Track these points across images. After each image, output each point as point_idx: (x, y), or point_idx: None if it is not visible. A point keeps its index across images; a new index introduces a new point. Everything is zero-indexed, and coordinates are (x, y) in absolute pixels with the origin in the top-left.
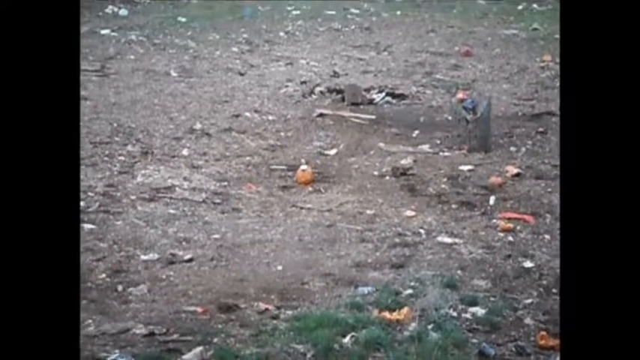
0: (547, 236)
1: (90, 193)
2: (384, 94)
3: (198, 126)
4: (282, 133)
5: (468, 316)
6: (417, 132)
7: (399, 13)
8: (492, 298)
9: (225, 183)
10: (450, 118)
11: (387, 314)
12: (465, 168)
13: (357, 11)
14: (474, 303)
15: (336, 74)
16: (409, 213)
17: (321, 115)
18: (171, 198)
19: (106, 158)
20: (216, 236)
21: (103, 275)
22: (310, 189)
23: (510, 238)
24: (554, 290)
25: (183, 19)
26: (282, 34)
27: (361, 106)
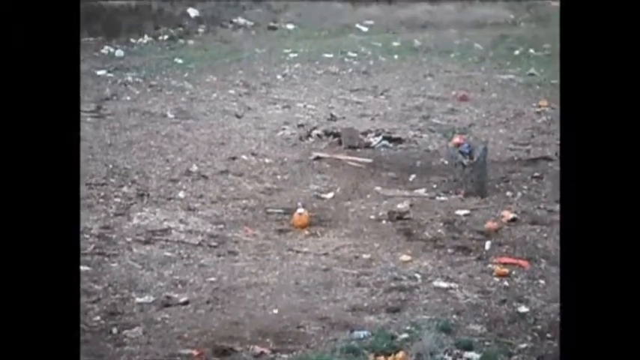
0: (542, 281)
1: (85, 235)
2: (380, 137)
3: (194, 168)
4: (279, 176)
5: None
6: (413, 176)
7: (396, 57)
8: (487, 343)
9: (222, 226)
10: (446, 162)
11: (382, 358)
12: (461, 212)
13: (354, 55)
14: (469, 348)
15: (333, 117)
16: (405, 257)
17: (317, 158)
18: (167, 240)
19: (101, 200)
20: (212, 279)
21: (98, 317)
22: (307, 232)
23: (506, 283)
24: (548, 335)
25: (180, 61)
26: (279, 76)
27: (358, 150)
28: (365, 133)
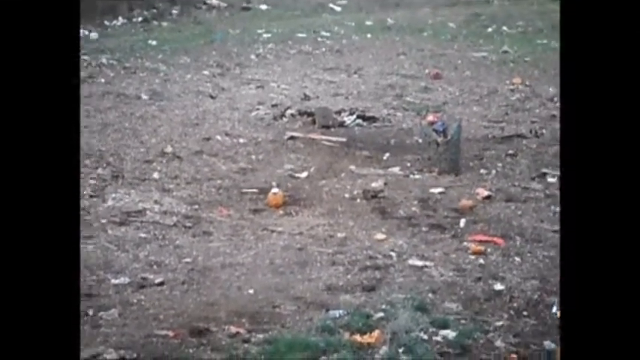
0: (517, 259)
1: None
2: (354, 116)
3: (169, 149)
4: (253, 156)
5: (439, 339)
6: (387, 154)
7: (369, 36)
8: (463, 321)
9: (196, 206)
10: (420, 140)
11: (358, 337)
12: (436, 191)
13: (327, 34)
14: (444, 326)
15: (306, 97)
16: (380, 236)
17: (292, 137)
18: (142, 221)
19: None
20: (188, 260)
21: None
22: (281, 212)
23: (481, 261)
24: (524, 313)
25: (154, 43)
26: (252, 57)
27: (332, 129)
28: (339, 112)
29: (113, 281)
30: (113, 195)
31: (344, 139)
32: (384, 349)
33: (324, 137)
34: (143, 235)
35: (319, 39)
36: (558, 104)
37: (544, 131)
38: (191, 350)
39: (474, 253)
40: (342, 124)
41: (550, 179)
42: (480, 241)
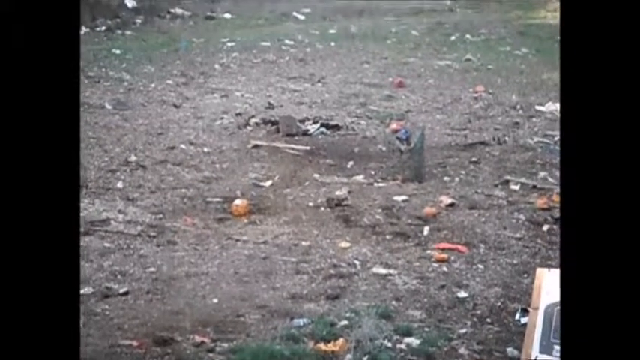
0: (480, 266)
1: None
2: (318, 125)
3: (133, 158)
4: (218, 165)
5: (403, 346)
6: (351, 163)
7: (333, 44)
8: (427, 328)
9: (161, 215)
10: (384, 148)
11: (322, 346)
12: (400, 199)
13: (291, 43)
14: (408, 333)
15: (270, 106)
16: (344, 244)
17: (256, 146)
18: (106, 231)
19: None
20: (152, 269)
21: None
22: (246, 221)
23: (444, 269)
24: (488, 320)
25: (118, 52)
26: (216, 66)
27: (296, 138)
28: (302, 121)
29: None
30: None
31: (308, 148)
32: (349, 357)
33: (288, 146)
34: (107, 244)
35: (283, 47)
36: (520, 112)
37: (507, 139)
38: (155, 359)
39: (438, 260)
40: (306, 133)
41: (513, 186)
42: (444, 249)
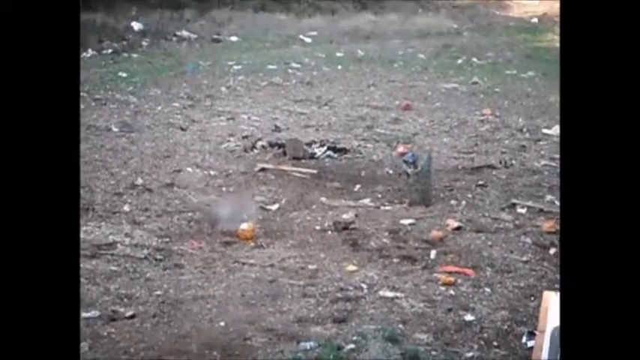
0: (487, 289)
1: None
2: (325, 148)
3: (139, 181)
4: (224, 188)
5: None
6: (358, 186)
7: (339, 67)
8: (434, 352)
9: (167, 239)
10: (390, 171)
11: None
12: (406, 222)
13: (298, 65)
14: (415, 357)
15: (277, 129)
16: (351, 267)
17: (262, 169)
18: (112, 254)
19: None
20: (159, 292)
21: None
22: (252, 244)
23: (451, 292)
24: (494, 343)
25: (124, 75)
26: (223, 88)
27: (303, 161)
28: (309, 144)
29: (84, 314)
30: (84, 228)
31: (315, 171)
32: None
33: (294, 169)
34: (114, 268)
35: (290, 70)
36: (527, 135)
37: (514, 162)
38: None
39: (445, 284)
40: (312, 156)
41: (520, 210)
42: (451, 272)
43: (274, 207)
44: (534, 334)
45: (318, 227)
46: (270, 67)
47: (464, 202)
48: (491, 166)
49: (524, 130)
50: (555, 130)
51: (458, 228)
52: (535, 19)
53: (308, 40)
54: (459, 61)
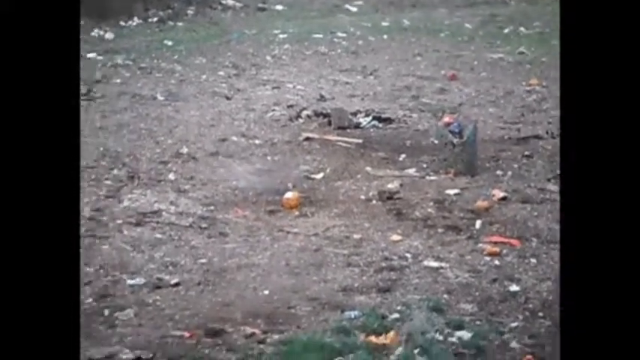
0: (533, 260)
1: None
2: (370, 117)
3: (184, 150)
4: (269, 157)
5: (454, 340)
6: (403, 156)
7: (385, 36)
8: (478, 322)
9: (212, 207)
10: (436, 141)
11: (373, 338)
12: (452, 192)
13: (343, 35)
14: (460, 327)
15: (322, 98)
16: (395, 237)
17: (307, 138)
18: (157, 222)
19: (92, 182)
20: (203, 261)
21: (90, 300)
22: (297, 213)
23: (496, 262)
24: (540, 314)
25: (170, 43)
26: (268, 57)
27: (348, 130)
28: (354, 114)
29: (129, 282)
30: (129, 196)
31: (360, 141)
32: (400, 350)
33: (339, 138)
34: (159, 235)
35: (335, 40)
36: None
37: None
38: (206, 350)
39: (490, 254)
40: (357, 126)
41: None
42: (496, 243)
43: (319, 176)
44: None
45: (362, 197)
46: (316, 36)
47: (510, 173)
48: (537, 137)
49: None
50: None
51: (503, 198)
52: None
53: (354, 9)
54: (506, 30)
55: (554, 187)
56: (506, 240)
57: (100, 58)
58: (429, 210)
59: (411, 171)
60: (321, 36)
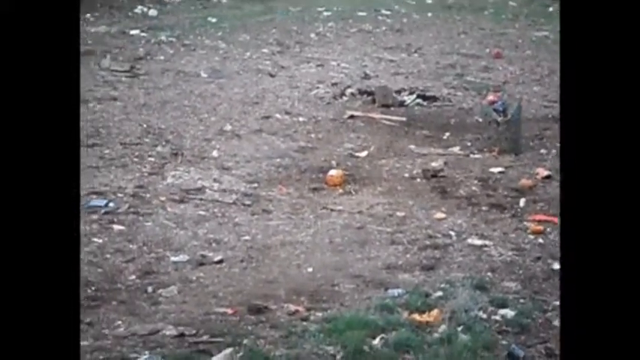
0: None
1: (120, 194)
2: (414, 95)
3: (228, 127)
4: (313, 135)
5: (498, 317)
6: (447, 134)
7: (429, 14)
8: (522, 300)
9: (256, 184)
10: (480, 120)
11: (416, 316)
12: (496, 170)
13: (388, 12)
14: (503, 305)
15: (366, 76)
16: (439, 215)
17: (351, 116)
18: (201, 199)
19: (135, 159)
20: (247, 238)
21: (133, 277)
22: (341, 191)
23: (540, 240)
24: None
25: (214, 20)
26: (312, 35)
27: (392, 108)
28: (399, 92)
29: (172, 259)
30: (172, 173)
31: (404, 119)
32: (443, 327)
33: (384, 116)
34: (202, 212)
35: (379, 17)
36: None
37: None
38: (249, 327)
39: (534, 232)
40: (402, 104)
41: None
42: (540, 221)
43: (363, 154)
44: None
45: (406, 175)
46: (360, 13)
47: (554, 151)
48: None
49: None
50: None
51: (547, 177)
52: None
53: None
54: (551, 9)
55: None
56: (549, 218)
57: (144, 34)
58: (473, 188)
59: (455, 149)
60: (365, 14)
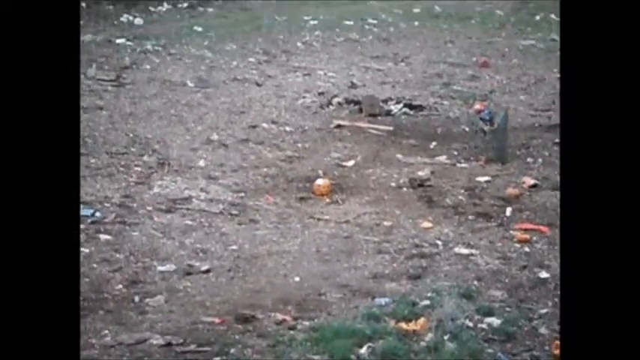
0: None
1: (106, 204)
2: (401, 105)
3: (215, 137)
4: (300, 144)
5: (484, 326)
6: (434, 143)
7: (416, 23)
8: (508, 309)
9: (243, 194)
10: (467, 129)
11: (403, 325)
12: (482, 179)
13: (374, 22)
14: (490, 313)
15: (353, 85)
16: (426, 224)
17: (338, 126)
18: (188, 209)
19: (122, 169)
20: (234, 247)
21: (120, 286)
22: (327, 200)
23: (526, 249)
24: None
25: (200, 29)
26: (299, 44)
27: (379, 117)
28: (385, 101)
29: (159, 268)
30: (159, 182)
31: (391, 128)
32: (430, 336)
33: (370, 126)
34: (189, 222)
35: (366, 27)
36: None
37: None
38: (237, 337)
39: (520, 241)
40: (388, 113)
41: None
42: (526, 230)
43: (350, 163)
44: None
45: (393, 184)
46: (347, 22)
47: (540, 160)
48: None
49: None
50: None
51: (534, 185)
52: None
53: None
54: (537, 17)
55: None
56: (536, 227)
57: (130, 43)
58: (460, 197)
59: (442, 158)
60: (352, 22)
